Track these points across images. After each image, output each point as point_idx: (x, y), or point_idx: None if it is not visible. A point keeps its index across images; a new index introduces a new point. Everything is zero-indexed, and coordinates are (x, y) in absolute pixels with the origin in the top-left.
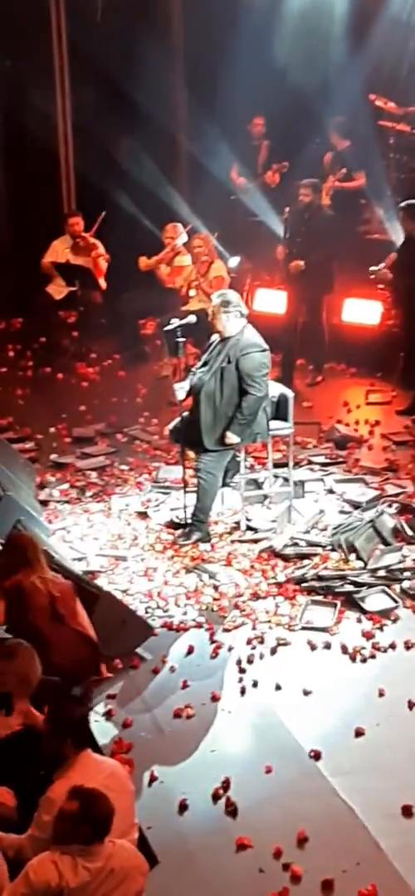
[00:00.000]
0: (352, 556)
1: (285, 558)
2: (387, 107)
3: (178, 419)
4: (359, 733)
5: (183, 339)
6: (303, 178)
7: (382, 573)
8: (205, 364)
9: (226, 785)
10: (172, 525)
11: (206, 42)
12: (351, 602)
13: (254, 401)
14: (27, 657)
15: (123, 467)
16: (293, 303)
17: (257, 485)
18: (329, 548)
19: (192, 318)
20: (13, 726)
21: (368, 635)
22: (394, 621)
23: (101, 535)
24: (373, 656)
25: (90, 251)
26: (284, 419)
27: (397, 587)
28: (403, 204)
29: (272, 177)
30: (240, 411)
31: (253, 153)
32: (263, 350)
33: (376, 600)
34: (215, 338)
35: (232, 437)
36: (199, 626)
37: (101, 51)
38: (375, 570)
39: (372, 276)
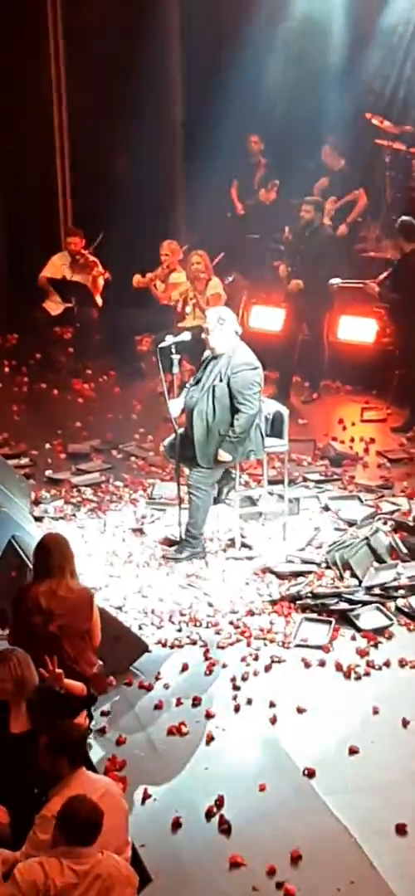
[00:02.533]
0: (347, 574)
1: (280, 575)
2: (383, 125)
3: (172, 436)
4: (353, 751)
5: (178, 356)
6: (301, 195)
7: (376, 591)
8: (198, 382)
9: (219, 803)
10: (168, 541)
11: (205, 57)
12: (346, 619)
13: (246, 419)
14: (22, 661)
15: (119, 484)
16: (292, 321)
17: (252, 502)
18: (324, 565)
19: (186, 335)
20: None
21: (362, 653)
22: (388, 639)
23: (96, 551)
24: (367, 674)
25: (90, 269)
26: (280, 436)
27: (391, 605)
28: (399, 220)
29: (266, 195)
30: (232, 429)
31: (250, 171)
32: (255, 368)
33: (370, 618)
34: (208, 354)
35: (224, 455)
36: (193, 642)
37: (99, 63)
38: (369, 588)
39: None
